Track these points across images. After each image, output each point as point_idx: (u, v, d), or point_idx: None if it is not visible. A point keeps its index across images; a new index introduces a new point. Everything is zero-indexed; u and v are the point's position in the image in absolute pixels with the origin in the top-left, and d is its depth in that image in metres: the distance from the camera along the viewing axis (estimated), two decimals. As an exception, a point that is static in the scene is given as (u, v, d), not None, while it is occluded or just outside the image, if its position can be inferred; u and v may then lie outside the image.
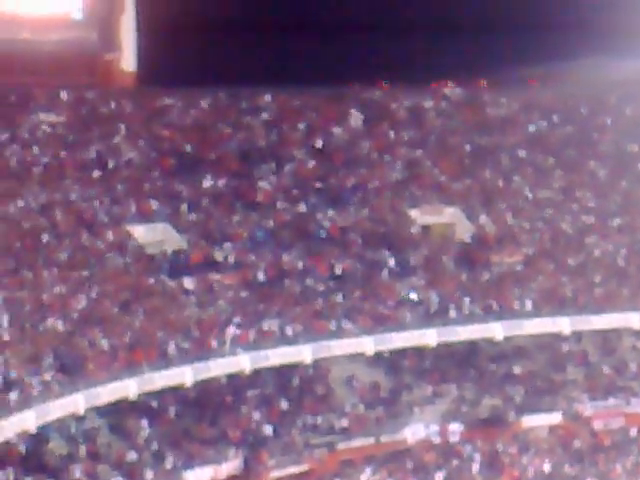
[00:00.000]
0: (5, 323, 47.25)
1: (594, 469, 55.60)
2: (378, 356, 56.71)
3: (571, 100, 75.93)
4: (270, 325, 53.58)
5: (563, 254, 63.19)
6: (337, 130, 67.33)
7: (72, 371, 46.23)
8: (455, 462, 54.56)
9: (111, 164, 60.02)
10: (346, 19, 75.85)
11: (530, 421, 57.03)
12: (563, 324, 59.24)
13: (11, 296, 48.80)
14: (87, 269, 52.55)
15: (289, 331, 53.73)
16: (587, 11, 75.72)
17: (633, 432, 57.61)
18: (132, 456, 47.68)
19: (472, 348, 58.81)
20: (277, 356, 52.91)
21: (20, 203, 54.62)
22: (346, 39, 74.43)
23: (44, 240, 53.70)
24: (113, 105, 64.49)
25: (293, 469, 51.53)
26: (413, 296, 58.45)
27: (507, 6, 75.52)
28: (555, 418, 57.62)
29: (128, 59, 67.47)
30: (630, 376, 60.05)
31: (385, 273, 59.35)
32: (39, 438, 44.93)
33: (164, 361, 49.86)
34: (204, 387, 50.90)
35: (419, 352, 57.51)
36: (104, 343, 49.08)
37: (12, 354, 45.51)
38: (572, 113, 74.31)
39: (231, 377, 52.10)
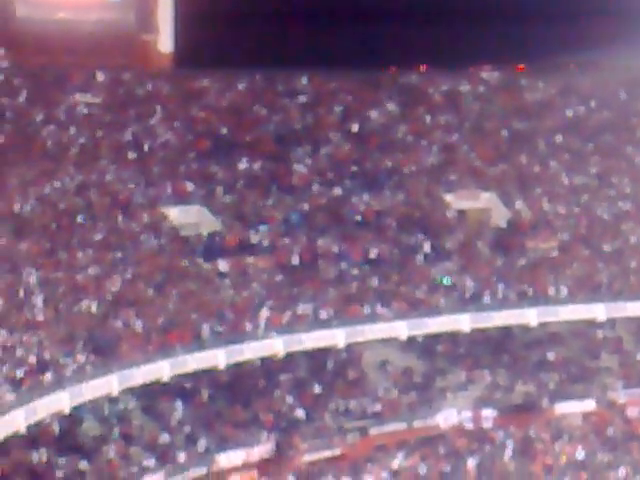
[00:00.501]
0: (40, 304, 47.34)
1: (628, 457, 55.27)
2: (411, 341, 56.55)
3: (609, 85, 75.04)
4: (304, 309, 53.54)
5: (599, 240, 62.77)
6: (373, 114, 67.07)
7: (106, 352, 46.50)
8: (488, 448, 54.42)
9: (147, 146, 60.28)
10: (384, 3, 74.72)
11: (563, 408, 56.87)
12: (598, 311, 58.93)
13: (46, 277, 48.97)
14: (122, 251, 52.76)
15: (323, 315, 53.73)
16: (624, -1, 74.03)
17: None
18: (165, 438, 48.04)
19: (506, 334, 58.69)
20: (310, 340, 52.99)
21: (56, 184, 55.04)
22: (383, 23, 74.23)
23: (79, 221, 53.46)
24: (149, 87, 64.75)
25: (325, 453, 51.82)
26: (448, 281, 58.04)
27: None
28: (589, 405, 57.32)
29: (165, 41, 67.98)
30: None
31: (420, 258, 59.12)
32: (73, 419, 45.13)
33: (198, 343, 49.86)
34: (237, 370, 51.11)
35: (453, 337, 57.56)
36: (138, 325, 49.39)
37: (46, 335, 45.77)
38: (610, 98, 73.64)
39: (264, 360, 52.35)
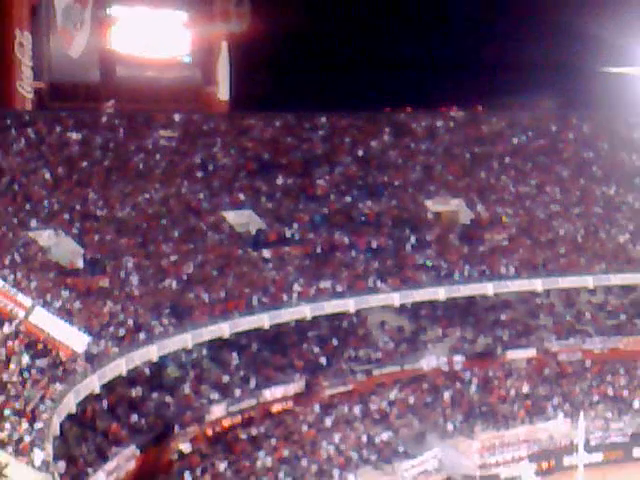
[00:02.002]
0: (135, 282, 47.86)
1: (559, 390, 56.18)
2: (403, 307, 56.72)
3: (542, 120, 76.24)
4: (324, 285, 53.75)
5: (537, 233, 63.56)
6: (373, 143, 67.91)
7: (183, 317, 46.96)
8: (458, 385, 55.11)
9: (210, 167, 60.66)
10: (386, 60, 76.26)
11: (513, 355, 57.27)
12: (537, 284, 59.77)
13: (139, 263, 49.50)
14: (193, 243, 53.33)
15: (338, 289, 53.99)
16: (554, 56, 75.48)
17: (587, 363, 58.03)
18: (226, 379, 48.57)
19: (471, 301, 59.32)
20: (330, 307, 53.24)
21: (146, 195, 55.08)
22: (378, 75, 75.23)
23: (162, 222, 54.01)
24: (212, 124, 65.29)
25: (341, 389, 52.33)
26: (429, 263, 58.75)
27: (498, 51, 75.47)
28: (531, 352, 57.82)
29: (223, 91, 68.19)
30: (585, 322, 60.44)
31: (408, 247, 59.39)
32: (159, 365, 45.84)
33: (249, 310, 49.96)
34: (277, 329, 51.52)
35: (432, 304, 57.76)
36: (205, 297, 49.48)
37: (140, 305, 46.02)
38: (543, 129, 74.70)
39: (297, 322, 52.48)
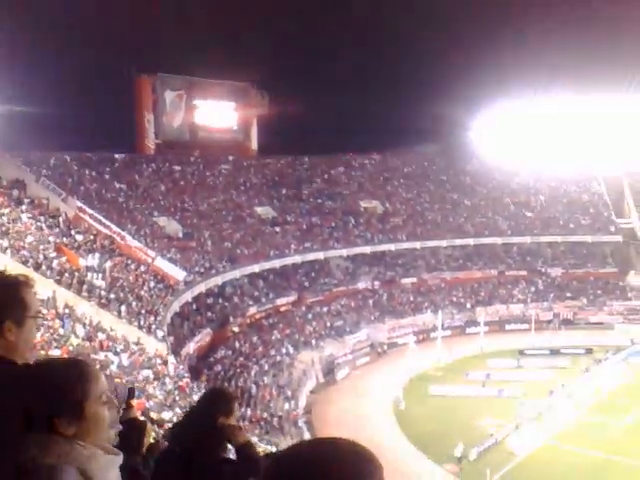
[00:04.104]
0: (209, 244, 47.94)
1: (428, 298, 56.42)
2: (348, 256, 56.99)
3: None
4: (307, 245, 54.46)
5: (416, 219, 62.27)
6: (332, 171, 66.76)
7: (234, 262, 47.45)
8: (376, 296, 55.30)
9: (248, 184, 59.97)
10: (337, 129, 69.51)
11: (404, 280, 57.27)
12: (417, 245, 59.43)
13: (211, 234, 49.26)
14: (239, 224, 53.39)
15: (315, 247, 54.87)
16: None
17: (443, 285, 57.50)
18: (256, 293, 48.51)
19: (383, 253, 58.43)
20: (310, 256, 53.73)
21: (214, 199, 55.27)
22: (336, 137, 67.59)
23: (223, 213, 53.57)
24: (248, 162, 64.01)
25: (316, 299, 52.34)
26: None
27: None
28: (413, 279, 57.63)
29: (254, 145, 66.89)
30: (442, 263, 60.02)
31: (350, 225, 59.59)
32: (222, 287, 45.91)
33: (268, 258, 50.17)
34: (283, 268, 51.41)
35: (363, 255, 57.63)
36: (245, 252, 49.35)
37: (212, 255, 46.33)
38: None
39: (293, 264, 52.59)
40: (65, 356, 20.37)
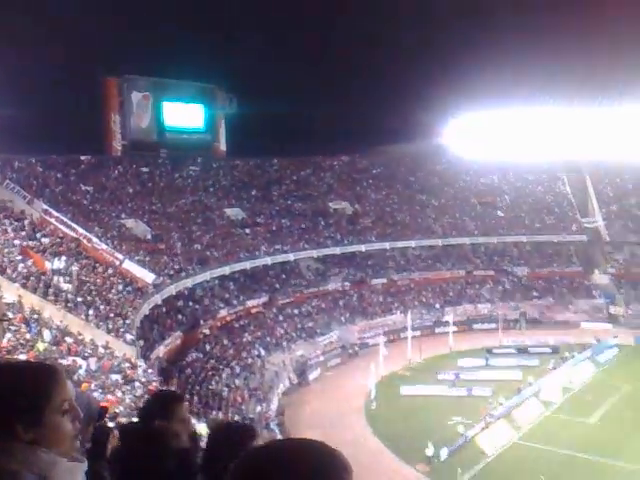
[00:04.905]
0: (178, 247, 47.33)
1: (397, 299, 56.56)
2: (318, 257, 56.42)
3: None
4: (277, 246, 53.86)
5: (385, 220, 62.11)
6: (302, 173, 66.78)
7: (204, 264, 46.78)
8: (347, 297, 55.57)
9: (217, 185, 59.96)
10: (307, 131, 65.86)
11: (374, 281, 57.42)
12: (386, 245, 59.17)
13: (180, 236, 49.04)
14: (208, 226, 52.86)
15: (285, 248, 54.17)
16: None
17: (412, 285, 57.73)
18: (226, 295, 48.27)
19: (353, 254, 58.44)
20: (280, 258, 53.35)
21: (182, 200, 54.26)
22: (307, 139, 64.75)
23: (192, 214, 53.28)
24: (217, 163, 63.79)
25: (287, 300, 52.27)
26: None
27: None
28: (383, 280, 57.69)
29: (222, 145, 65.48)
30: (411, 264, 60.18)
31: (320, 227, 59.40)
32: (192, 289, 45.65)
33: (238, 260, 49.89)
34: (253, 270, 51.16)
35: (333, 256, 57.36)
36: (215, 254, 48.97)
37: (181, 258, 45.64)
38: (391, 165, 69.78)
39: (264, 266, 51.75)
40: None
